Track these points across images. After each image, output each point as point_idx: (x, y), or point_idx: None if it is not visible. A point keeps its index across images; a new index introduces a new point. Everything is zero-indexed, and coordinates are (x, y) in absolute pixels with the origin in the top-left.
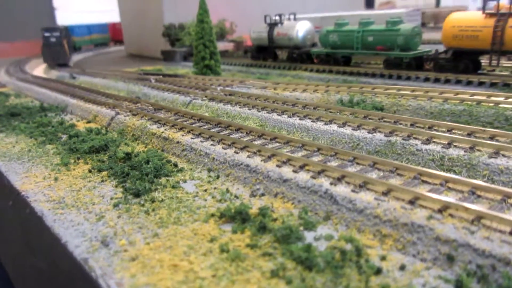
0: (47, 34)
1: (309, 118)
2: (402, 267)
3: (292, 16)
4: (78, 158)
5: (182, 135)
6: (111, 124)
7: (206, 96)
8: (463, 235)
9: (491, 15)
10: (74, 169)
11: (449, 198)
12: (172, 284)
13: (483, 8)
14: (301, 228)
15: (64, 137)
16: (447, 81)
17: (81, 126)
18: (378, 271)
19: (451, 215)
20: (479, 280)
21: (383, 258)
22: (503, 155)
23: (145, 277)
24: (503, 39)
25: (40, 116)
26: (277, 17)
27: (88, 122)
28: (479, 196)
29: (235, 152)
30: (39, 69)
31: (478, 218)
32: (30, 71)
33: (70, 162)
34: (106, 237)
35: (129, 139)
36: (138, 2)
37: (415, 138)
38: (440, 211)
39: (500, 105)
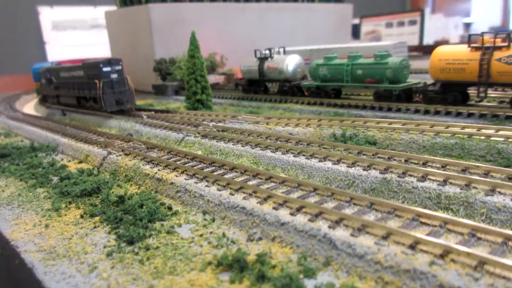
0: (106, 69)
1: (303, 155)
2: None
3: (281, 50)
4: (70, 203)
5: (176, 176)
6: (103, 164)
7: (199, 133)
8: (467, 282)
9: (476, 48)
10: (65, 215)
11: (450, 242)
12: None
13: (468, 42)
14: (301, 276)
15: (55, 179)
16: (437, 113)
17: (73, 166)
18: None
19: (453, 260)
20: None
21: None
22: (499, 193)
23: None
24: (489, 72)
25: (31, 156)
26: (267, 51)
27: (80, 162)
28: (479, 239)
29: (230, 193)
30: (29, 105)
31: (481, 263)
32: (20, 107)
33: (62, 207)
34: None
35: (122, 180)
36: (129, 37)
37: (410, 175)
38: (441, 256)
39: (491, 138)
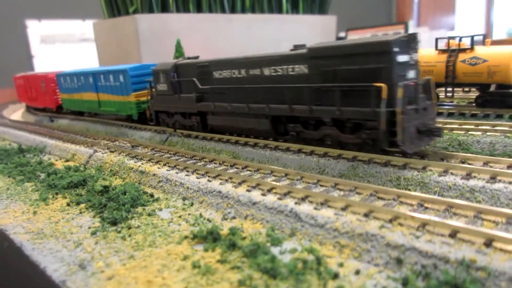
0: (403, 59)
1: (280, 149)
2: (357, 272)
3: None
4: (57, 194)
5: (158, 168)
6: (89, 161)
7: (182, 133)
8: (409, 240)
9: (443, 51)
10: (52, 203)
11: (399, 209)
12: None
13: (436, 46)
14: (268, 244)
15: (43, 175)
16: None
17: (60, 164)
18: (335, 276)
19: (400, 224)
20: (423, 278)
21: (340, 265)
22: (452, 173)
23: None
24: (455, 73)
25: (19, 157)
26: None
27: (67, 160)
28: (426, 208)
29: (208, 180)
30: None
31: (423, 224)
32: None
33: (49, 197)
34: (83, 261)
35: (107, 174)
36: (117, 48)
37: (375, 162)
38: (390, 221)
39: (454, 132)
